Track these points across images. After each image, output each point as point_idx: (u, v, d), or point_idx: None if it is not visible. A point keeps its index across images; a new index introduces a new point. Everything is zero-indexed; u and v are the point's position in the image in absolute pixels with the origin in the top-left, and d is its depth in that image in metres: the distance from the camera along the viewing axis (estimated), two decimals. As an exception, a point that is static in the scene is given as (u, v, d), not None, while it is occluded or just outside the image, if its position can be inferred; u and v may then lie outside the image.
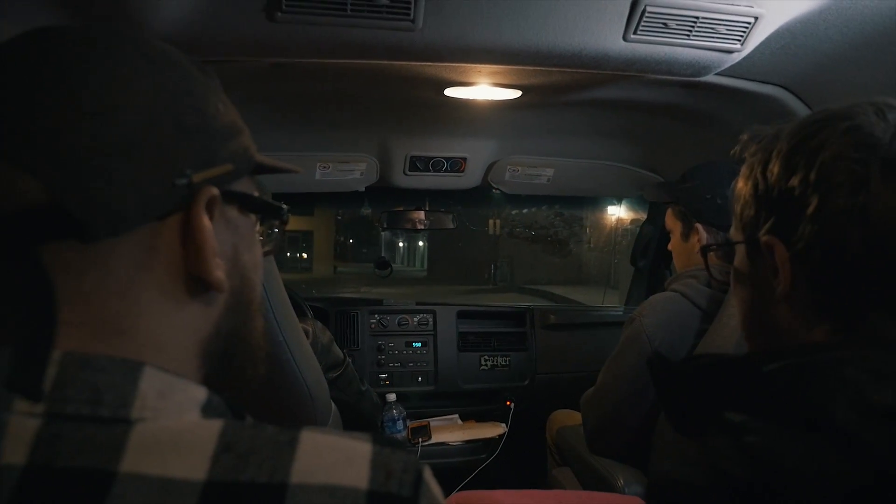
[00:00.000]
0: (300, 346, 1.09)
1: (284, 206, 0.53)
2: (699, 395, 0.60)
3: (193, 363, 0.46)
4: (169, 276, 0.44)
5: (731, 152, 0.69)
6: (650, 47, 1.24)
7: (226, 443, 0.37)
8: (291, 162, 0.58)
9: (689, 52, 1.27)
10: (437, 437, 2.16)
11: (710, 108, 1.68)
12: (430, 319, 2.38)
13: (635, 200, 2.80)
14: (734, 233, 0.68)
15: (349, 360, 1.73)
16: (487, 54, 1.27)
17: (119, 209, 0.40)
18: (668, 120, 1.86)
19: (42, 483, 0.34)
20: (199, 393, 0.42)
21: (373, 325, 2.33)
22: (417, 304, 2.45)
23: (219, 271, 0.45)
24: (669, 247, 1.70)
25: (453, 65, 1.36)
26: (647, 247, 2.51)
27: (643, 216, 2.68)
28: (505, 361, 2.37)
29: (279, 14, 1.08)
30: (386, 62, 1.31)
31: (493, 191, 2.41)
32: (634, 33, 1.19)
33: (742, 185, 0.65)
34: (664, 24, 1.17)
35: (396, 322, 2.36)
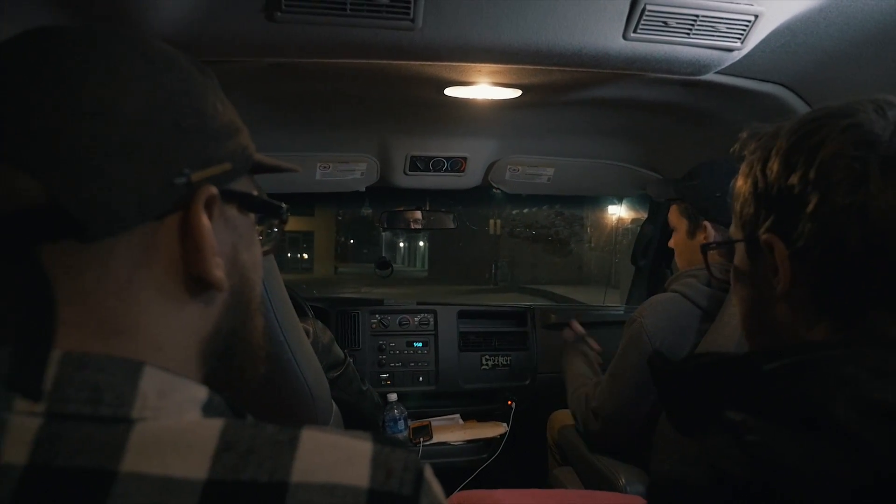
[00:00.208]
0: (301, 345, 1.09)
1: (284, 205, 0.53)
2: (699, 395, 0.60)
3: (193, 362, 0.46)
4: (168, 276, 0.44)
5: (731, 150, 0.68)
6: (650, 46, 1.24)
7: (226, 442, 0.37)
8: (292, 162, 0.58)
9: (690, 50, 1.27)
10: (438, 437, 2.16)
11: (710, 107, 1.68)
12: (431, 319, 2.38)
13: (636, 199, 2.80)
14: (734, 231, 0.68)
15: (350, 359, 1.73)
16: (487, 53, 1.27)
17: (118, 209, 0.40)
18: (668, 119, 1.86)
19: (42, 483, 0.34)
20: (200, 392, 0.42)
21: (374, 325, 2.33)
22: (418, 303, 2.45)
23: (218, 270, 0.45)
24: (671, 244, 1.70)
25: (453, 64, 1.36)
26: (648, 246, 2.51)
27: (644, 215, 2.68)
28: (506, 361, 2.37)
29: (278, 14, 1.08)
30: (386, 62, 1.31)
31: (494, 190, 2.41)
32: (634, 32, 1.19)
33: (741, 183, 0.65)
34: (664, 22, 1.17)
35: (397, 322, 2.36)
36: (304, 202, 3.00)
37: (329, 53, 1.25)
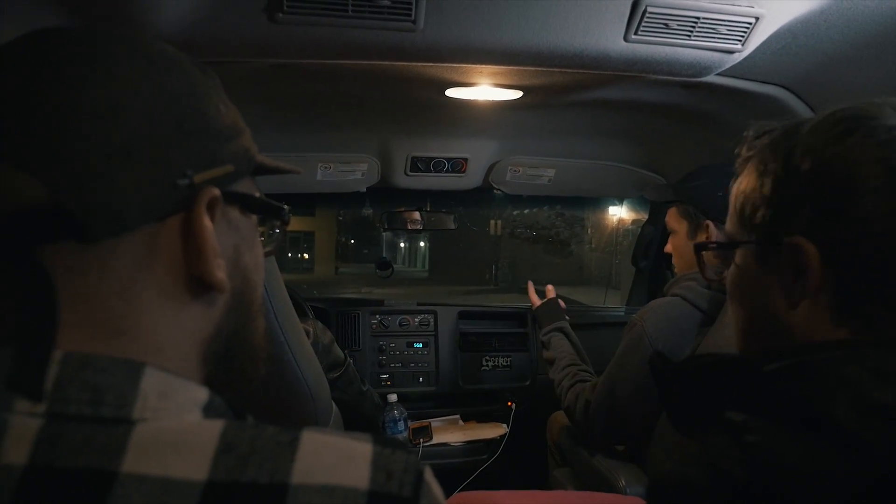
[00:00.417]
0: (301, 346, 1.09)
1: (286, 207, 0.53)
2: (700, 395, 0.59)
3: (194, 363, 0.46)
4: (170, 277, 0.44)
5: (736, 151, 0.67)
6: (651, 48, 1.24)
7: (227, 443, 0.37)
8: (293, 163, 0.58)
9: (690, 52, 1.27)
10: (438, 438, 2.16)
11: (711, 109, 1.68)
12: (432, 320, 2.38)
13: (636, 201, 2.80)
14: (738, 232, 0.65)
15: (350, 360, 1.73)
16: (488, 55, 1.27)
17: (119, 210, 0.40)
18: (668, 120, 1.86)
19: (43, 483, 0.34)
20: (201, 393, 0.42)
21: (374, 326, 2.33)
22: (419, 304, 2.45)
23: (220, 272, 0.45)
24: (669, 248, 1.70)
25: (454, 65, 1.36)
26: (649, 247, 2.51)
27: (644, 216, 2.68)
28: (506, 362, 2.37)
29: (280, 15, 1.08)
30: (387, 63, 1.31)
31: (495, 191, 2.41)
32: (635, 34, 1.19)
33: (752, 183, 0.63)
34: (665, 24, 1.17)
35: (398, 322, 2.36)
36: (305, 202, 3.00)
37: (330, 54, 1.25)
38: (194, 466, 0.36)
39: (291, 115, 1.85)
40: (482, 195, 2.53)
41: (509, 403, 2.29)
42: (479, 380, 2.35)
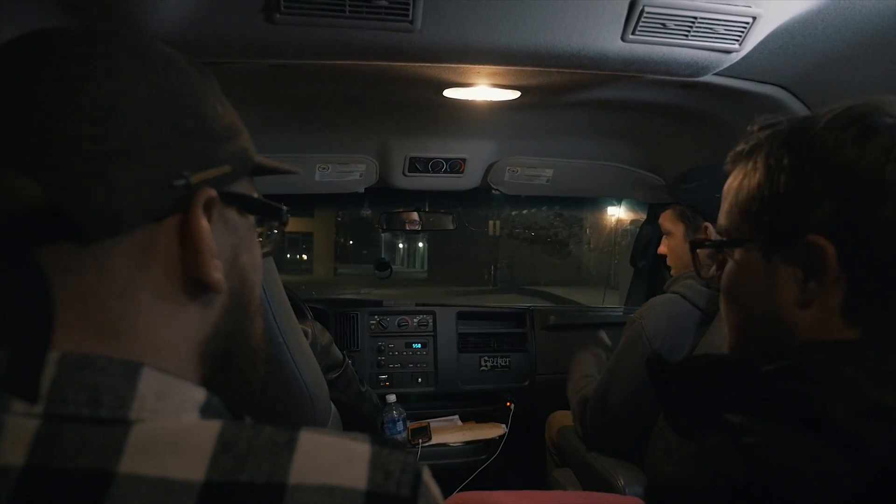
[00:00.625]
0: (300, 347, 1.09)
1: (284, 207, 0.53)
2: (698, 396, 0.59)
3: (192, 364, 0.46)
4: (167, 278, 0.44)
5: (739, 148, 0.65)
6: (648, 48, 1.25)
7: (224, 443, 0.37)
8: (291, 163, 0.58)
9: (688, 52, 1.27)
10: (436, 438, 2.16)
11: (708, 108, 1.68)
12: (430, 320, 2.38)
13: (635, 201, 2.80)
14: (740, 230, 0.64)
15: (349, 361, 1.73)
16: (486, 55, 1.28)
17: (116, 210, 0.40)
18: (666, 120, 1.86)
19: (40, 484, 0.34)
20: (198, 394, 0.42)
21: (372, 327, 2.33)
22: (417, 305, 2.45)
23: (217, 273, 0.45)
24: (664, 249, 1.71)
25: (452, 66, 1.36)
26: (647, 247, 2.51)
27: (643, 217, 2.68)
28: (505, 362, 2.37)
29: (277, 15, 1.08)
30: (385, 63, 1.31)
31: (493, 192, 2.41)
32: (633, 34, 1.19)
33: (760, 179, 0.61)
34: (662, 24, 1.17)
35: (396, 323, 2.36)
36: (304, 203, 3.00)
37: (328, 55, 1.25)
38: (192, 467, 0.36)
39: (289, 116, 1.85)
40: (480, 195, 2.53)
41: (508, 404, 2.29)
42: (477, 380, 2.35)
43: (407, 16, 1.11)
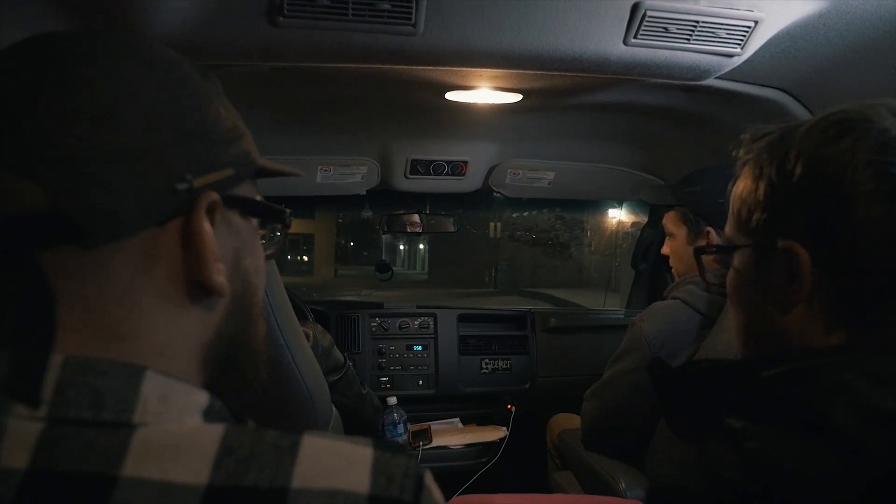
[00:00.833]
0: (301, 349, 1.09)
1: (287, 210, 0.53)
2: (699, 401, 0.59)
3: (195, 367, 0.46)
4: (170, 281, 0.44)
5: (733, 153, 0.66)
6: (650, 51, 1.25)
7: (227, 447, 0.37)
8: (292, 165, 0.58)
9: (690, 56, 1.27)
10: (437, 441, 2.15)
11: (710, 112, 1.68)
12: (431, 323, 2.37)
13: (636, 203, 2.80)
14: (735, 236, 0.65)
15: (350, 363, 1.73)
16: (488, 58, 1.28)
17: (119, 214, 0.40)
18: (668, 123, 1.86)
19: (44, 487, 0.34)
20: (201, 397, 0.42)
21: (373, 329, 2.33)
22: (418, 307, 2.45)
23: (220, 276, 0.45)
24: (666, 251, 1.70)
25: (454, 69, 1.36)
26: (648, 250, 2.51)
27: (644, 219, 2.68)
28: (506, 365, 2.37)
29: (281, 19, 1.09)
30: (387, 66, 1.31)
31: (494, 194, 2.41)
32: (635, 37, 1.19)
33: (747, 186, 0.63)
34: (664, 28, 1.17)
35: (397, 325, 2.35)
36: (305, 205, 3.00)
37: (331, 58, 1.25)
38: (195, 470, 0.36)
39: (291, 119, 1.85)
40: (482, 198, 2.53)
41: (509, 406, 2.29)
42: (478, 383, 2.35)
43: (409, 19, 1.11)
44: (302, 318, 1.72)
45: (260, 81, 1.46)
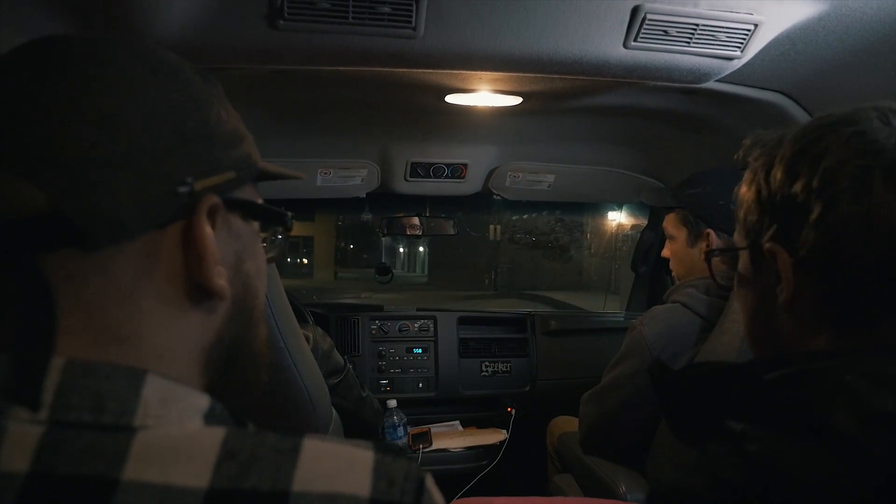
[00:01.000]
0: (301, 352, 1.09)
1: (288, 213, 0.53)
2: (700, 404, 0.60)
3: (196, 370, 0.46)
4: (170, 284, 0.44)
5: (735, 157, 0.68)
6: (650, 54, 1.25)
7: (228, 450, 0.37)
8: (293, 168, 0.58)
9: (690, 59, 1.27)
10: (437, 444, 2.15)
11: (710, 115, 1.68)
12: (431, 325, 2.37)
13: (635, 206, 2.81)
14: (738, 238, 0.67)
15: (350, 366, 1.73)
16: (488, 61, 1.28)
17: (120, 217, 0.40)
18: (668, 126, 1.87)
19: (45, 491, 0.34)
20: (202, 400, 0.42)
21: (373, 331, 2.33)
22: (418, 309, 2.45)
23: (220, 279, 0.45)
24: (667, 253, 1.70)
25: (454, 72, 1.36)
26: (648, 252, 2.51)
27: (644, 222, 2.69)
28: (506, 367, 2.37)
29: (281, 22, 1.09)
30: (387, 69, 1.31)
31: (494, 197, 2.41)
32: (635, 40, 1.19)
33: (745, 191, 0.65)
34: (664, 31, 1.17)
35: (397, 328, 2.35)
36: (305, 207, 3.00)
37: (331, 61, 1.25)
38: (196, 474, 0.36)
39: (292, 121, 1.86)
40: (481, 200, 2.53)
41: (509, 409, 2.29)
42: (478, 385, 2.35)
43: (410, 22, 1.11)
44: (302, 320, 1.73)
45: (260, 84, 1.46)
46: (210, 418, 0.41)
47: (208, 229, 0.44)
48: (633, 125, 1.89)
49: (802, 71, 1.36)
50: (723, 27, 1.17)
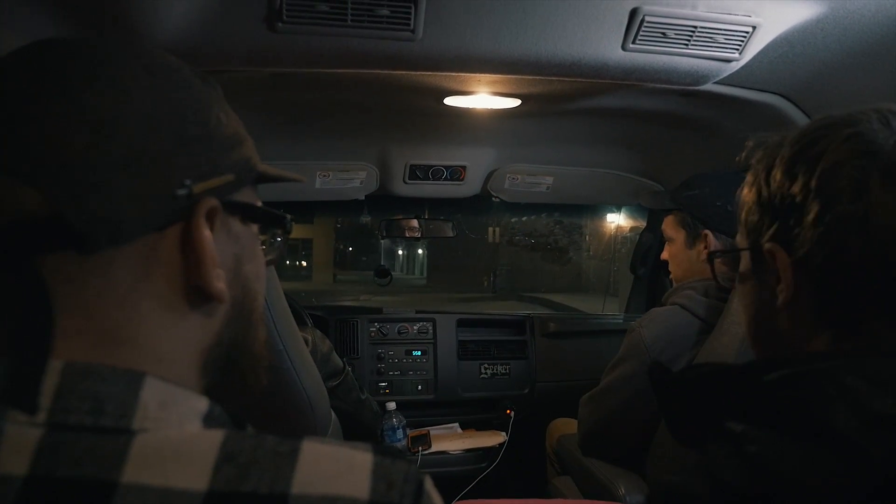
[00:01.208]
0: (300, 355, 1.09)
1: (288, 216, 0.53)
2: (699, 405, 0.60)
3: (195, 373, 0.46)
4: (169, 287, 0.44)
5: (737, 158, 0.68)
6: (649, 56, 1.25)
7: (227, 453, 0.37)
8: (291, 171, 0.58)
9: (688, 61, 1.28)
10: (436, 446, 2.15)
11: (708, 117, 1.68)
12: (430, 328, 2.37)
13: (634, 208, 2.81)
14: (740, 239, 0.67)
15: (349, 368, 1.73)
16: (487, 64, 1.28)
17: (118, 220, 0.40)
18: (666, 128, 1.87)
19: (44, 493, 0.34)
20: (201, 403, 0.42)
21: (372, 334, 2.33)
22: (417, 312, 2.44)
23: (219, 282, 0.45)
24: (666, 255, 1.71)
25: (453, 74, 1.36)
26: (647, 254, 2.52)
27: (642, 224, 2.69)
28: (505, 370, 2.37)
29: (280, 24, 1.09)
30: (386, 72, 1.31)
31: (493, 199, 2.41)
32: (633, 43, 1.19)
33: (747, 192, 0.65)
34: (663, 33, 1.18)
35: (396, 330, 2.35)
36: (304, 210, 3.00)
37: (330, 63, 1.25)
38: (195, 476, 0.36)
39: (290, 124, 1.86)
40: (480, 203, 2.53)
41: (508, 411, 2.29)
42: (477, 388, 2.35)
43: (408, 25, 1.12)
44: (301, 323, 1.72)
45: (259, 87, 1.46)
46: (209, 421, 0.41)
47: (207, 232, 0.44)
48: (632, 127, 1.89)
49: (801, 73, 1.36)
50: (721, 29, 1.17)
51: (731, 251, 0.69)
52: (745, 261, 0.67)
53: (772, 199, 0.60)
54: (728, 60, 1.27)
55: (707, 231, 1.54)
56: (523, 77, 1.37)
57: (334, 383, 1.62)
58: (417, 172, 2.18)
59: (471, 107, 1.65)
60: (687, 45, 1.22)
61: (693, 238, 1.59)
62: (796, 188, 0.57)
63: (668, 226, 1.67)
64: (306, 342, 1.43)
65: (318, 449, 0.39)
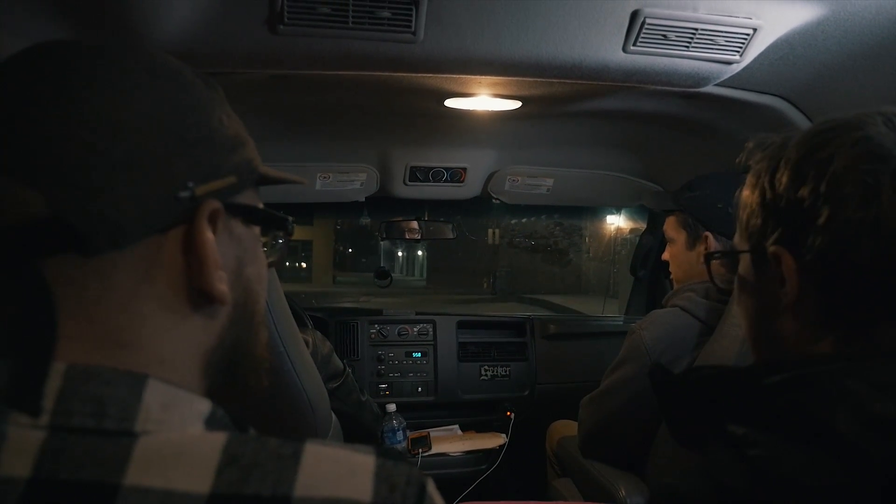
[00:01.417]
0: (301, 356, 1.09)
1: (290, 218, 0.53)
2: (700, 408, 0.60)
3: (197, 375, 0.46)
4: (171, 289, 0.44)
5: (737, 160, 0.68)
6: (650, 59, 1.25)
7: (229, 456, 0.37)
8: (292, 172, 0.58)
9: (689, 63, 1.28)
10: (437, 448, 2.15)
11: (709, 119, 1.69)
12: (430, 329, 2.37)
13: (634, 210, 2.81)
14: (739, 241, 0.67)
15: (349, 370, 1.73)
16: (488, 66, 1.28)
17: (121, 222, 0.40)
18: (667, 130, 1.87)
19: (46, 496, 0.34)
20: (203, 405, 0.42)
21: (372, 336, 2.33)
22: (417, 313, 2.44)
23: (221, 284, 0.45)
24: (667, 256, 1.71)
25: (454, 76, 1.36)
26: (647, 256, 2.52)
27: (642, 226, 2.69)
28: (505, 371, 2.37)
29: (281, 26, 1.09)
30: (387, 73, 1.31)
31: (493, 201, 2.41)
32: (634, 45, 1.20)
33: (748, 194, 0.65)
34: (664, 35, 1.18)
35: (396, 332, 2.35)
36: (304, 211, 3.00)
37: (331, 65, 1.26)
38: (197, 479, 0.36)
39: (291, 126, 1.86)
40: (481, 204, 2.53)
41: (508, 413, 2.28)
42: (477, 389, 2.35)
43: (409, 27, 1.12)
44: (301, 325, 1.72)
45: (260, 88, 1.46)
46: (211, 423, 0.41)
47: (209, 234, 0.44)
48: (633, 129, 1.89)
49: (801, 75, 1.36)
50: (722, 31, 1.18)
51: (730, 253, 0.68)
52: (744, 263, 0.66)
53: (777, 201, 0.60)
54: (729, 62, 1.27)
55: (708, 233, 1.54)
56: (524, 79, 1.37)
57: (335, 385, 1.62)
58: (418, 174, 2.18)
59: (471, 109, 1.65)
60: (688, 47, 1.22)
61: (694, 239, 1.59)
62: (804, 191, 0.57)
63: (670, 227, 1.67)
64: (307, 344, 1.43)
65: (320, 451, 0.39)
